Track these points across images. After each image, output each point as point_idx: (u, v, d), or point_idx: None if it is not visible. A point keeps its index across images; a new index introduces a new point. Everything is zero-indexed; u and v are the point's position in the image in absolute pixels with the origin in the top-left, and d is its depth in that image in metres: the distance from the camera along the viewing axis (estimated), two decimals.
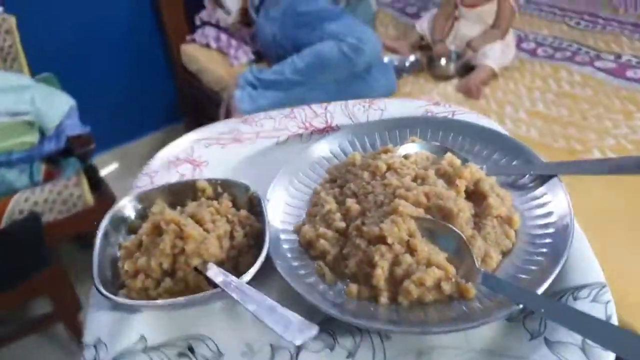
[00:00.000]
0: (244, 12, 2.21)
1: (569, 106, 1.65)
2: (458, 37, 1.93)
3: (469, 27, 1.91)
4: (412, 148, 0.49)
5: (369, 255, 0.39)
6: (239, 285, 0.38)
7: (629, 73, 1.77)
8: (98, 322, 0.40)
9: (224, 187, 0.48)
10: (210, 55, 2.22)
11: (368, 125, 0.54)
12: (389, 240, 0.38)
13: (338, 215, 0.44)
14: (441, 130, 0.50)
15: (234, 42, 2.20)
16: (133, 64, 2.31)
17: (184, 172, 0.52)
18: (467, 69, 1.86)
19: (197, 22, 2.38)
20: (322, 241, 0.42)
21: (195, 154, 0.53)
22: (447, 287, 0.37)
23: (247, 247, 0.44)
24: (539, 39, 2.11)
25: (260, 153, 0.54)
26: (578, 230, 0.42)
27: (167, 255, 0.41)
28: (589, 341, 0.35)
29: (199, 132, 0.57)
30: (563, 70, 1.86)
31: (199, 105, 2.35)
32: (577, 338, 0.35)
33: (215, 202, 0.46)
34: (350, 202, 0.44)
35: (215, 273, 0.40)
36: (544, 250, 0.40)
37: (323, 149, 0.52)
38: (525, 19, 2.25)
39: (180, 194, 0.47)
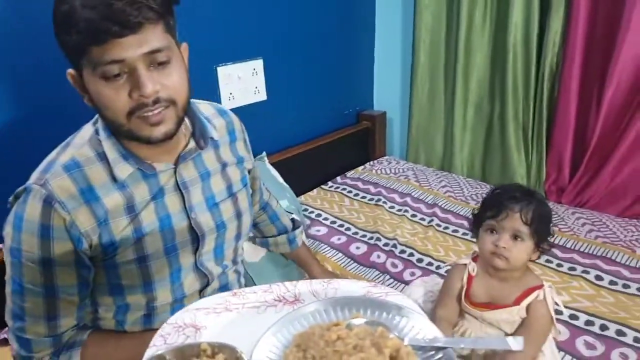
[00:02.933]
0: None
1: None
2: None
3: (477, 329, 1.20)
4: (357, 321, 0.66)
5: None
6: None
7: None
8: None
9: (219, 348, 0.62)
10: None
11: (327, 301, 0.70)
12: None
13: None
14: (377, 309, 0.68)
15: None
16: None
17: (189, 334, 0.67)
18: None
19: None
20: None
21: (197, 320, 0.69)
22: None
23: None
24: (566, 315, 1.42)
25: (245, 319, 0.71)
26: None
27: None
28: None
29: (200, 302, 0.73)
30: None
31: None
32: None
33: None
34: None
35: None
36: None
37: (292, 318, 0.68)
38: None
39: (188, 351, 0.61)
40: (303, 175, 2.19)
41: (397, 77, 2.70)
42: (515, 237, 1.12)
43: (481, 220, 1.18)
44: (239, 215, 1.11)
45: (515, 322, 1.15)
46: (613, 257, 1.78)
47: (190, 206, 1.00)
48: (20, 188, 0.87)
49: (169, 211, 0.97)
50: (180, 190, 0.98)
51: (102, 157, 0.90)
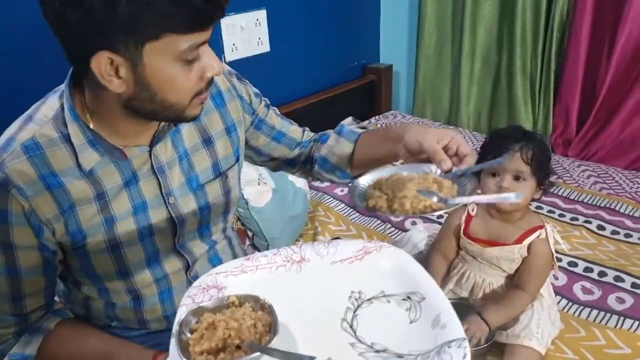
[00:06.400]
0: None
1: None
2: (462, 280, 1.25)
3: (476, 270, 1.23)
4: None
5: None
6: (263, 349, 0.63)
7: None
8: None
9: (245, 298, 0.70)
10: None
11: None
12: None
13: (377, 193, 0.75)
14: None
15: None
16: None
17: (213, 294, 0.74)
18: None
19: None
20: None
21: (218, 282, 0.76)
22: (435, 207, 0.68)
23: (264, 332, 0.66)
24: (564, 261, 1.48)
25: (260, 278, 0.78)
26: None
27: (221, 339, 0.64)
28: None
29: (219, 268, 0.78)
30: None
31: None
32: None
33: (241, 308, 0.69)
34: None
35: (249, 345, 0.64)
36: None
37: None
38: None
39: (219, 304, 0.70)
40: None
41: (404, 29, 2.64)
42: (517, 177, 1.14)
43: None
44: (227, 193, 0.99)
45: (515, 261, 1.18)
46: (617, 208, 1.78)
47: (169, 191, 0.89)
48: None
49: (144, 198, 0.87)
50: (156, 174, 0.87)
51: (67, 138, 0.79)
